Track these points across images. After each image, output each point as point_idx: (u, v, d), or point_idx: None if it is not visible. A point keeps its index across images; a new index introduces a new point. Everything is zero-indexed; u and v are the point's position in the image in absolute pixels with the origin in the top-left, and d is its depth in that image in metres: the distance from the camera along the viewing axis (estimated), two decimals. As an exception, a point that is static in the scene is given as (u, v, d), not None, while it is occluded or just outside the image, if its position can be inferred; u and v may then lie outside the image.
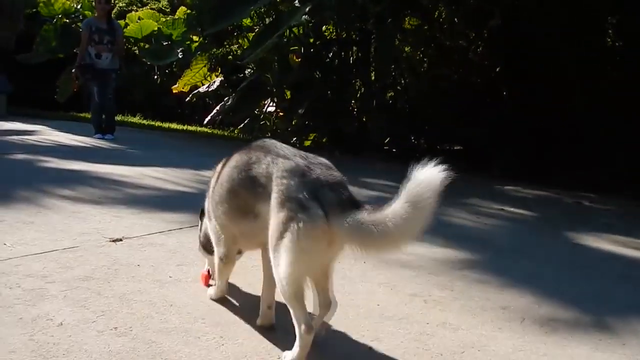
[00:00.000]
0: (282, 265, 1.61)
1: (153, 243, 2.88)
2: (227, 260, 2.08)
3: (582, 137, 6.25)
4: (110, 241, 2.84)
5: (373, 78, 8.05)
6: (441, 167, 1.45)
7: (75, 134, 7.44)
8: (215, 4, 7.55)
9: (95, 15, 7.82)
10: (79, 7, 15.03)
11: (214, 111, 10.00)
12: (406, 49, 7.77)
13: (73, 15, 14.42)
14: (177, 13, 14.31)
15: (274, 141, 1.87)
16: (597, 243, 3.73)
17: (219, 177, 2.00)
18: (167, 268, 2.53)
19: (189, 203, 3.80)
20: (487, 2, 6.06)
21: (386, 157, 7.63)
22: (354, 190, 1.61)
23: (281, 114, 10.00)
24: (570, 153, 6.33)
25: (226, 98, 10.23)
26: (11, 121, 9.17)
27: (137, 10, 15.89)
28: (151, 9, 16.46)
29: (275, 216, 1.64)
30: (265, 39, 7.28)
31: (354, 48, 8.09)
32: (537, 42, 6.05)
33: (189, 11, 14.13)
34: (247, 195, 1.82)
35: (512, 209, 4.58)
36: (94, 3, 13.78)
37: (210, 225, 2.13)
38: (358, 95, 8.15)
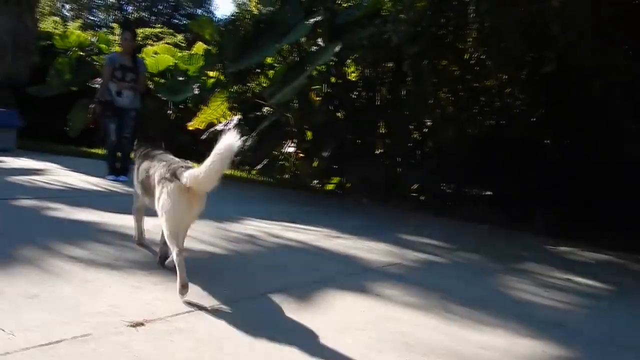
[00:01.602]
0: (162, 216, 2.87)
1: (181, 329, 2.38)
2: (138, 208, 3.57)
3: (635, 193, 5.75)
4: (129, 326, 2.33)
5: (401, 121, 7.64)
6: (236, 136, 2.59)
7: (87, 174, 6.99)
8: (239, 42, 7.21)
9: (120, 50, 7.42)
10: (94, 40, 14.88)
11: (231, 151, 9.58)
12: (441, 92, 7.33)
13: (88, 49, 14.24)
14: (193, 48, 14.09)
15: (164, 154, 3.24)
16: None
17: (139, 169, 3.33)
18: (201, 369, 2.03)
19: (217, 269, 3.31)
20: (537, 47, 5.66)
21: (416, 205, 7.13)
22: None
23: (301, 155, 9.59)
24: (622, 210, 5.81)
25: (244, 137, 9.82)
26: (20, 157, 8.78)
27: (152, 45, 15.73)
28: (167, 43, 16.32)
29: (157, 191, 2.93)
30: (291, 78, 6.90)
31: (382, 89, 7.70)
32: (590, 89, 5.63)
33: (206, 47, 13.94)
34: (149, 186, 3.08)
35: (579, 279, 4.05)
36: (118, 39, 13.61)
37: (134, 188, 3.47)
38: (385, 139, 7.71)
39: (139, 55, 8.94)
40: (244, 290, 2.93)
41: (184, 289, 2.68)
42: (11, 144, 9.74)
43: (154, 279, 2.97)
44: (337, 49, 6.36)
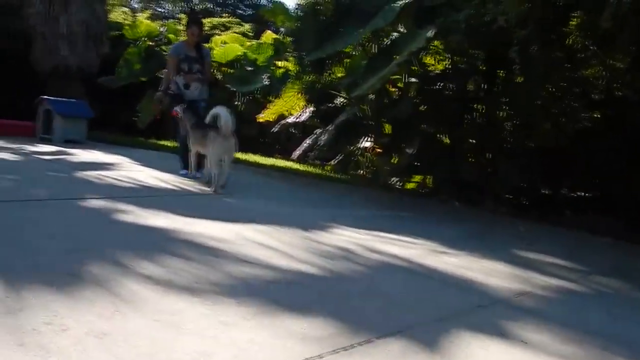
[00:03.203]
0: (213, 153, 5.65)
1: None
2: (194, 153, 6.17)
3: None
4: (223, 390, 1.78)
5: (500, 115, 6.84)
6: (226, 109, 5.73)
7: (158, 169, 6.62)
8: (319, 28, 6.62)
9: (185, 40, 6.87)
10: (163, 30, 14.70)
11: (305, 144, 9.04)
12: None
13: (157, 38, 14.06)
14: (262, 37, 13.66)
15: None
16: None
17: (194, 132, 6.03)
18: None
19: (314, 298, 2.73)
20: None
21: (513, 210, 6.35)
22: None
23: (379, 150, 8.93)
24: None
25: (317, 131, 9.26)
26: (90, 149, 8.57)
27: (220, 34, 15.41)
28: (234, 32, 15.99)
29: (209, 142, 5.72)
30: (375, 67, 6.26)
31: (477, 79, 6.92)
32: None
33: (275, 36, 13.46)
34: (204, 141, 5.80)
35: None
36: (184, 28, 13.37)
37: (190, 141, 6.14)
38: (477, 134, 6.93)
39: (205, 45, 8.49)
40: (353, 333, 2.33)
41: (220, 188, 5.52)
42: (82, 135, 9.60)
43: (244, 311, 2.42)
44: (430, 33, 5.65)
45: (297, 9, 7.27)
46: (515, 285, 3.21)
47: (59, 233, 3.38)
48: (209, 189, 5.56)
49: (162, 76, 11.90)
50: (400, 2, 6.10)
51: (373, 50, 8.13)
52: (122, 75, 12.62)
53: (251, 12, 39.70)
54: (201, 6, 39.62)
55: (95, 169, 6.14)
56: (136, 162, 7.18)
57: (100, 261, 2.88)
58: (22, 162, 6.54)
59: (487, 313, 2.72)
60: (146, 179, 5.81)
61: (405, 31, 7.62)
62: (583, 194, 7.53)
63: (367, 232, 4.28)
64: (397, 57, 5.79)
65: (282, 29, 15.64)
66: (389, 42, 7.20)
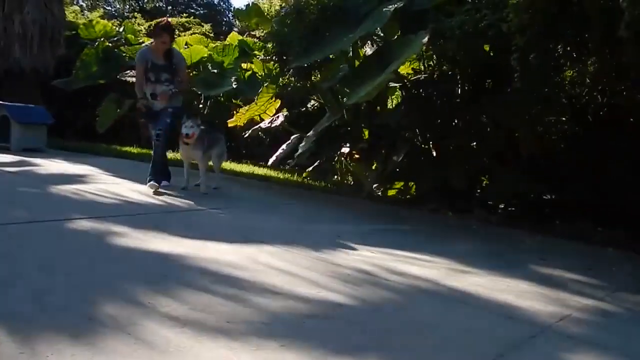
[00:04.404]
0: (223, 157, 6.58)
1: None
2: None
3: None
4: None
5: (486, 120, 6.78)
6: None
7: (135, 180, 6.20)
8: (306, 33, 6.36)
9: (151, 46, 6.17)
10: (120, 30, 14.10)
11: (280, 151, 8.76)
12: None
13: (115, 39, 13.45)
14: (228, 39, 13.25)
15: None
16: None
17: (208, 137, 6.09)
18: None
19: (357, 331, 2.50)
20: None
21: (504, 219, 6.27)
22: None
23: (357, 156, 8.77)
24: None
25: (293, 137, 9.01)
26: (53, 158, 8.04)
27: (179, 35, 14.90)
28: (195, 33, 15.54)
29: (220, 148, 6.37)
30: (366, 73, 6.07)
31: (464, 85, 6.84)
32: None
33: (241, 37, 13.09)
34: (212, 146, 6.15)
35: None
36: (143, 30, 12.74)
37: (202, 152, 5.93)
38: (464, 141, 6.83)
39: (175, 46, 7.95)
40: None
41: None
42: (42, 142, 9.03)
43: (294, 358, 2.17)
44: (425, 39, 5.50)
45: (281, 11, 6.97)
46: (550, 308, 3.06)
47: (58, 265, 3.02)
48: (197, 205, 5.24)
49: (123, 79, 11.41)
50: (391, 6, 5.92)
51: (351, 55, 7.94)
52: (80, 78, 11.97)
53: (203, 12, 39.03)
54: (151, 4, 38.59)
55: (69, 183, 5.69)
56: (108, 173, 6.74)
57: (115, 299, 2.57)
58: (-16, 175, 6.02)
59: (542, 344, 2.56)
60: (127, 192, 5.41)
61: (383, 35, 7.48)
62: (559, 198, 7.53)
63: (377, 249, 4.07)
64: (391, 63, 5.60)
65: (235, 29, 15.27)
66: (376, 48, 7.04)
